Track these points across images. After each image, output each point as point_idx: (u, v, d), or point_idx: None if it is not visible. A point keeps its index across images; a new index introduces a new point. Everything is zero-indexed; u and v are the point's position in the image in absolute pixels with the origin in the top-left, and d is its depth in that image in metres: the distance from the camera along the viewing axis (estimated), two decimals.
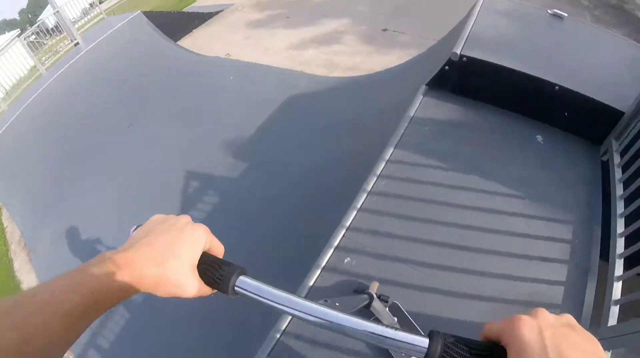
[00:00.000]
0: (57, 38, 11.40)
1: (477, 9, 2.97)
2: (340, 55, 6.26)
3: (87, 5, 12.80)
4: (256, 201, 3.98)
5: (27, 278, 6.17)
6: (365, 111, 4.21)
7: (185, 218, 0.60)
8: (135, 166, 5.72)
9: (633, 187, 1.69)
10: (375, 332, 0.53)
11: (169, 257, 0.54)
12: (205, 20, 9.65)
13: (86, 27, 11.42)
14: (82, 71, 8.27)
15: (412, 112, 2.48)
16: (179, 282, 0.54)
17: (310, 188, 3.81)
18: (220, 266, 0.58)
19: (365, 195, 2.00)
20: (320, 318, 0.55)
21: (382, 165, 2.18)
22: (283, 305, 0.56)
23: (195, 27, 9.51)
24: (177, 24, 9.08)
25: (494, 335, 0.49)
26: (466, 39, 2.52)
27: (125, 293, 0.50)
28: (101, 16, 10.62)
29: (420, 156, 2.22)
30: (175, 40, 8.41)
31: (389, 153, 2.25)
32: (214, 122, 5.64)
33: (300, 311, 0.55)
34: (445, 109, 2.53)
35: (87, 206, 5.67)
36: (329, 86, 5.22)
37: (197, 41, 8.67)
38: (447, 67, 2.52)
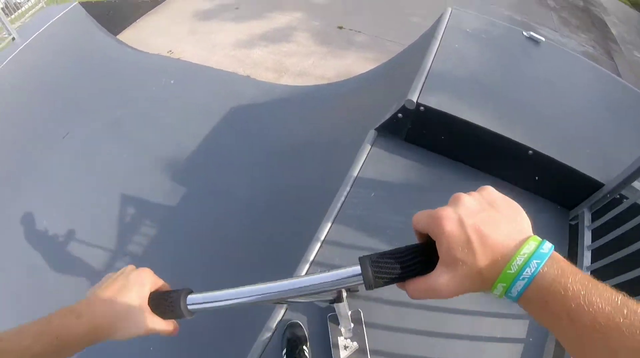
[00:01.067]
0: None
1: (442, 27, 2.59)
2: (292, 56, 5.79)
3: None
4: (196, 228, 3.72)
5: None
6: (312, 136, 3.85)
7: (130, 267, 0.66)
8: (68, 186, 5.34)
9: (602, 257, 1.60)
10: (315, 282, 0.57)
11: (119, 301, 0.59)
12: (151, 8, 8.90)
13: (28, 15, 10.41)
14: (18, 72, 7.56)
15: (355, 171, 2.11)
16: (133, 321, 0.59)
17: (249, 221, 3.51)
18: (167, 296, 0.62)
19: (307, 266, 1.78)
20: (270, 292, 0.59)
21: (316, 247, 1.81)
22: (238, 299, 0.60)
23: (139, 16, 8.77)
24: (119, 14, 8.36)
25: (421, 228, 0.51)
26: (425, 79, 2.15)
27: (85, 340, 0.56)
28: (41, 4, 9.64)
29: (361, 233, 1.86)
30: (117, 33, 7.78)
31: (325, 230, 1.88)
32: (152, 136, 5.20)
33: (254, 295, 0.59)
34: (395, 162, 2.18)
35: (15, 225, 5.33)
36: (276, 96, 4.82)
37: (140, 33, 7.98)
38: (400, 115, 2.15)
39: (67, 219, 4.69)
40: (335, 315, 1.64)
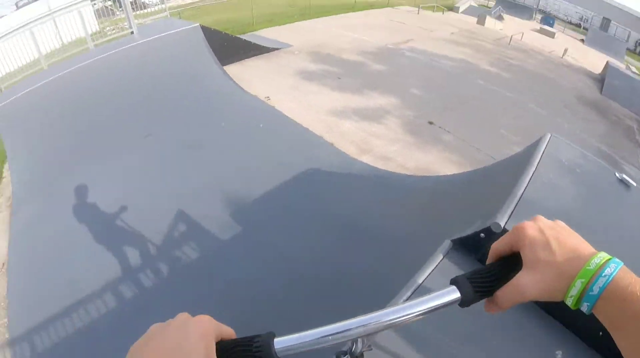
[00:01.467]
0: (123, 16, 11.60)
1: (539, 153, 2.56)
2: (379, 138, 5.92)
3: None
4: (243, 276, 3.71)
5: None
6: (385, 222, 3.85)
7: (184, 315, 0.53)
8: (133, 184, 5.65)
9: None
10: (414, 310, 0.56)
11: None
12: (260, 53, 9.57)
13: (150, 18, 11.56)
14: (124, 62, 8.29)
15: (421, 278, 2.06)
16: None
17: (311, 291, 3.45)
18: (248, 344, 0.54)
19: None
20: (363, 326, 0.57)
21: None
22: (331, 335, 0.56)
23: (248, 57, 9.43)
24: (232, 48, 9.03)
25: (503, 248, 0.59)
26: (516, 205, 2.11)
27: None
28: (165, 14, 10.70)
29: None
30: (224, 64, 8.32)
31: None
32: (222, 170, 5.41)
33: (350, 329, 0.57)
34: None
35: (80, 197, 5.71)
36: (355, 171, 4.91)
37: (245, 73, 8.53)
38: (482, 235, 2.11)
39: (136, 217, 4.99)
40: None
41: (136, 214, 5.02)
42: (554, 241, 0.52)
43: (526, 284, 0.53)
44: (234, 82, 7.75)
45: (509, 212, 2.08)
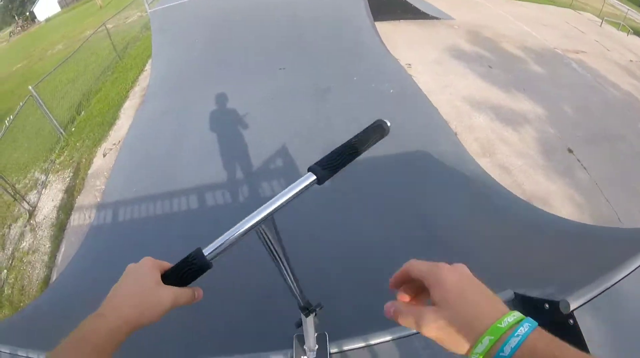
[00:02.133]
0: None
1: None
2: (506, 144, 5.45)
3: None
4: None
5: (125, 120, 7.39)
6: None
7: (132, 264, 0.69)
8: (253, 111, 6.00)
9: None
10: (282, 199, 0.73)
11: (137, 289, 0.64)
12: (417, 18, 9.15)
13: None
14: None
15: None
16: (156, 300, 0.63)
17: None
18: (182, 263, 0.68)
19: None
20: (261, 216, 0.72)
21: None
22: (241, 229, 0.69)
23: (405, 19, 9.07)
24: (389, 5, 8.73)
25: (416, 275, 0.57)
26: (598, 295, 1.77)
27: (118, 336, 0.58)
28: None
29: None
30: (377, 19, 8.10)
31: None
32: (337, 121, 5.43)
33: (255, 221, 0.71)
34: None
35: (201, 107, 6.33)
36: (467, 172, 4.57)
37: (394, 33, 8.28)
38: (547, 305, 1.84)
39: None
40: (302, 335, 1.68)
41: (245, 140, 5.35)
42: (469, 290, 0.51)
43: (428, 322, 0.51)
44: (381, 39, 7.53)
45: (587, 297, 1.76)
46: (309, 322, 1.49)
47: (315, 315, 1.55)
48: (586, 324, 1.56)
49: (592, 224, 4.47)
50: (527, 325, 0.46)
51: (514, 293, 1.99)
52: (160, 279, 0.66)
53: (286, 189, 0.73)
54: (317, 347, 1.72)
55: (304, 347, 1.73)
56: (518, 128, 5.90)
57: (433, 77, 6.73)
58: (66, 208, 5.89)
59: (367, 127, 0.83)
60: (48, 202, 6.31)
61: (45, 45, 22.30)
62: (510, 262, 3.18)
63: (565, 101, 7.16)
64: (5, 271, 5.52)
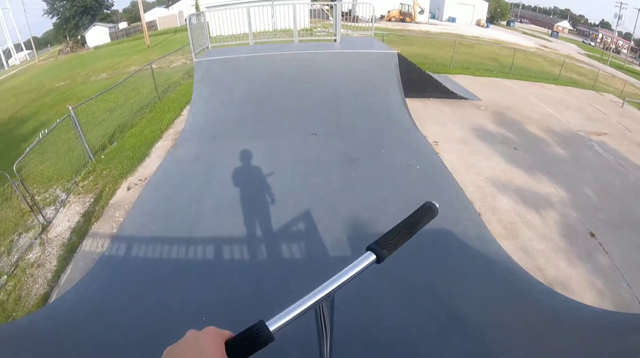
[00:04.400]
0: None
1: None
2: (530, 228, 5.63)
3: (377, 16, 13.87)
4: None
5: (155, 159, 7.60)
6: None
7: (192, 332, 0.66)
8: (281, 174, 6.18)
9: None
10: (344, 278, 0.76)
11: None
12: (446, 97, 9.67)
13: (355, 31, 12.39)
14: (319, 63, 9.05)
15: None
16: None
17: None
18: (250, 333, 0.68)
19: None
20: (322, 293, 0.76)
21: None
22: (304, 305, 0.73)
23: (433, 97, 9.59)
24: (420, 83, 9.28)
25: None
26: None
27: None
28: (371, 33, 11.32)
29: None
30: (408, 96, 8.62)
31: None
32: (361, 194, 5.72)
33: (317, 297, 0.75)
34: None
35: (230, 160, 6.61)
36: (490, 254, 4.77)
37: (423, 110, 8.74)
38: None
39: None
40: None
41: (268, 199, 5.58)
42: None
43: None
44: (410, 115, 7.97)
45: None
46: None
47: None
48: None
49: (612, 310, 4.56)
50: None
51: None
52: (225, 353, 0.64)
53: (347, 268, 0.78)
54: None
55: None
56: (541, 211, 6.10)
57: (459, 156, 7.05)
58: (80, 232, 5.92)
59: (419, 208, 0.88)
60: (64, 221, 6.36)
61: (89, 70, 23.51)
62: (530, 348, 3.30)
63: (588, 183, 7.37)
64: (5, 277, 5.42)
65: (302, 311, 0.73)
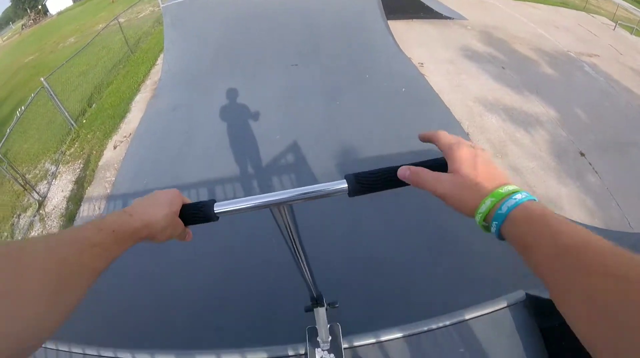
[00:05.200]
0: None
1: None
2: (518, 145, 5.40)
3: None
4: None
5: (136, 113, 7.41)
6: None
7: (159, 191, 0.75)
8: (262, 105, 6.01)
9: None
10: (303, 192, 0.73)
11: (163, 209, 0.69)
12: (431, 18, 9.10)
13: None
14: None
15: None
16: (172, 225, 0.71)
17: None
18: (199, 205, 0.74)
19: None
20: (276, 198, 0.74)
21: None
22: (253, 202, 0.73)
23: (418, 18, 9.02)
24: (403, 4, 8.69)
25: (440, 144, 0.65)
26: None
27: (137, 235, 0.64)
28: None
29: None
30: (390, 18, 8.08)
31: None
32: (343, 119, 5.42)
33: (269, 200, 0.74)
34: None
35: (210, 100, 6.48)
36: None
37: (408, 32, 8.23)
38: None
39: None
40: (314, 328, 1.72)
41: (254, 136, 5.41)
42: (480, 163, 0.57)
43: (444, 181, 0.59)
44: (394, 38, 7.50)
45: None
46: (321, 314, 1.53)
47: (327, 307, 1.64)
48: None
49: (602, 228, 4.43)
50: (524, 194, 0.51)
51: (525, 293, 1.98)
52: (178, 210, 0.73)
53: (316, 186, 0.74)
54: (330, 338, 1.75)
55: (317, 338, 1.79)
56: (530, 130, 5.84)
57: (445, 77, 6.67)
58: (76, 199, 5.92)
59: (427, 161, 0.71)
60: (58, 193, 6.36)
61: (57, 38, 22.47)
62: (522, 263, 3.13)
63: (578, 104, 7.09)
64: None
65: (251, 207, 0.74)
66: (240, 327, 3.03)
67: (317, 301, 1.49)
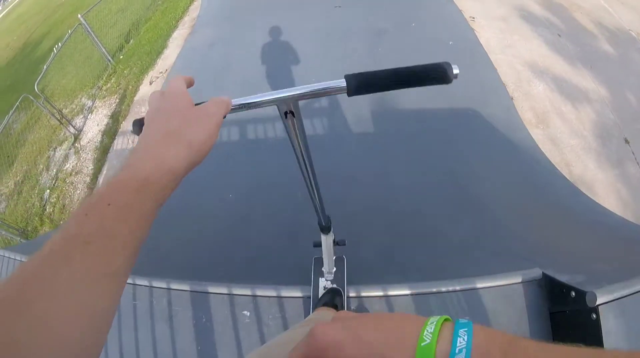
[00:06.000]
0: None
1: None
2: (562, 118, 5.03)
3: None
4: None
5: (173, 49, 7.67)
6: None
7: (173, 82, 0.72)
8: (306, 45, 5.85)
9: None
10: (307, 89, 0.73)
11: (200, 117, 0.67)
12: None
13: None
14: None
15: None
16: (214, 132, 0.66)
17: None
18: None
19: None
20: (281, 95, 0.75)
21: None
22: (261, 98, 0.74)
23: None
24: None
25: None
26: (629, 295, 1.57)
27: (198, 158, 0.60)
28: None
29: None
30: None
31: None
32: (384, 64, 5.11)
33: (275, 97, 0.75)
34: None
35: (252, 39, 6.34)
36: (516, 141, 4.23)
37: None
38: (573, 294, 1.69)
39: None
40: (321, 258, 1.72)
41: (292, 75, 5.34)
42: (364, 331, 0.38)
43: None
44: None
45: (616, 295, 1.53)
46: (328, 241, 1.51)
47: (336, 243, 1.61)
48: (608, 323, 1.47)
49: (634, 222, 4.17)
50: (464, 332, 0.34)
51: (542, 272, 1.85)
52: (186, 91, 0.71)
53: (315, 84, 0.73)
54: (334, 269, 1.79)
55: (322, 268, 1.79)
56: (577, 105, 5.44)
57: (496, 35, 6.19)
58: (110, 133, 6.07)
59: (427, 64, 0.72)
60: (93, 126, 6.55)
61: None
62: (543, 240, 2.97)
63: (631, 89, 6.56)
64: (48, 191, 5.83)
65: (259, 102, 0.74)
66: (245, 263, 3.04)
67: (323, 227, 1.41)
